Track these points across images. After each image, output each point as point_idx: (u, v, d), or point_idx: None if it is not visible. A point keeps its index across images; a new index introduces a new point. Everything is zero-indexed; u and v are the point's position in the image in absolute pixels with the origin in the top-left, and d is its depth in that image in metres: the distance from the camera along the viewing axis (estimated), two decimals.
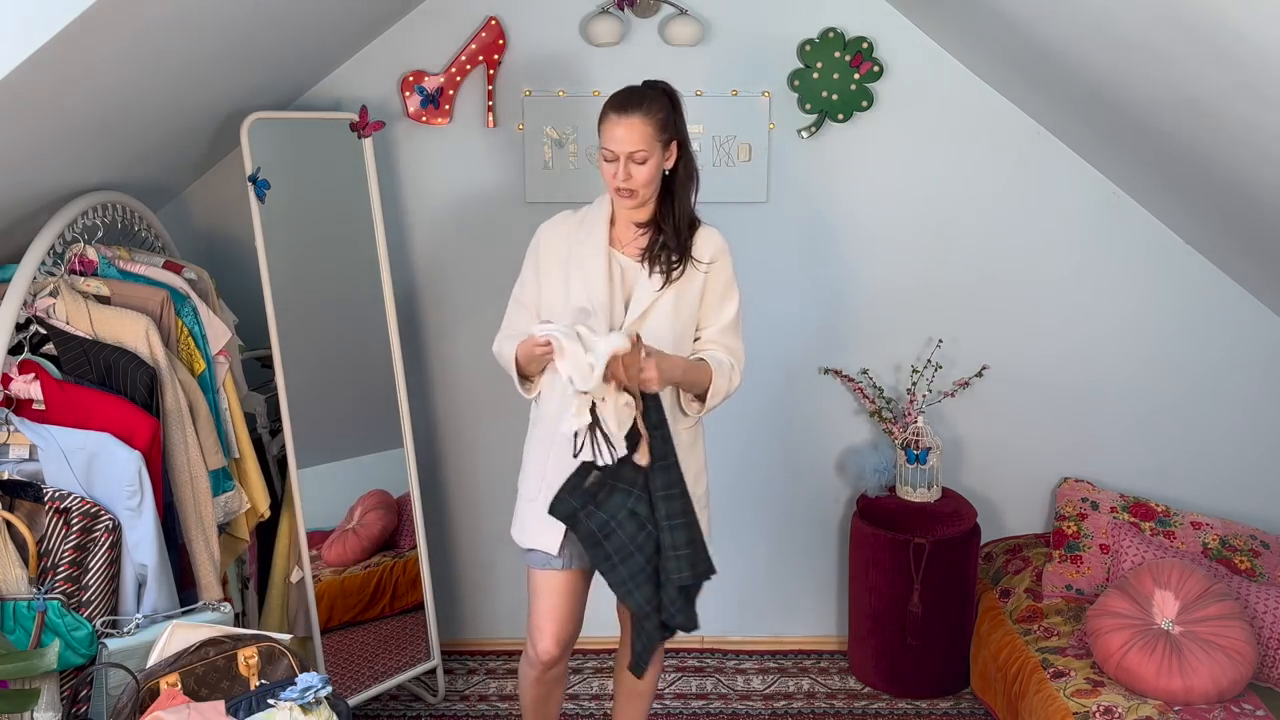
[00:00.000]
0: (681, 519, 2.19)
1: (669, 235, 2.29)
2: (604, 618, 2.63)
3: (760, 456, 3.39)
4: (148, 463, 2.17)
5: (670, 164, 2.28)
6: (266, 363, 2.96)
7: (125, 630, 2.07)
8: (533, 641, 2.47)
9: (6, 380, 2.16)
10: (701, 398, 2.35)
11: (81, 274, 2.37)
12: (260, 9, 2.34)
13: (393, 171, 3.18)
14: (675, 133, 2.27)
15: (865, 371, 3.31)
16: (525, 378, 2.38)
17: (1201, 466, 3.32)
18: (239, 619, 2.69)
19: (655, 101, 2.23)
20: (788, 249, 3.23)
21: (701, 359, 2.33)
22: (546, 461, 2.35)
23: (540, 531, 2.36)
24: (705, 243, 2.34)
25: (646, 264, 2.30)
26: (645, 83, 2.29)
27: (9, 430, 2.11)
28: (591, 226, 2.33)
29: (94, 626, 2.06)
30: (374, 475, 3.06)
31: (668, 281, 2.29)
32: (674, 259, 2.29)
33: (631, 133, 2.19)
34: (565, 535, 2.33)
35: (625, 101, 2.22)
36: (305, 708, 1.72)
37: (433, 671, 3.19)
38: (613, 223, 2.34)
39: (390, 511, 3.10)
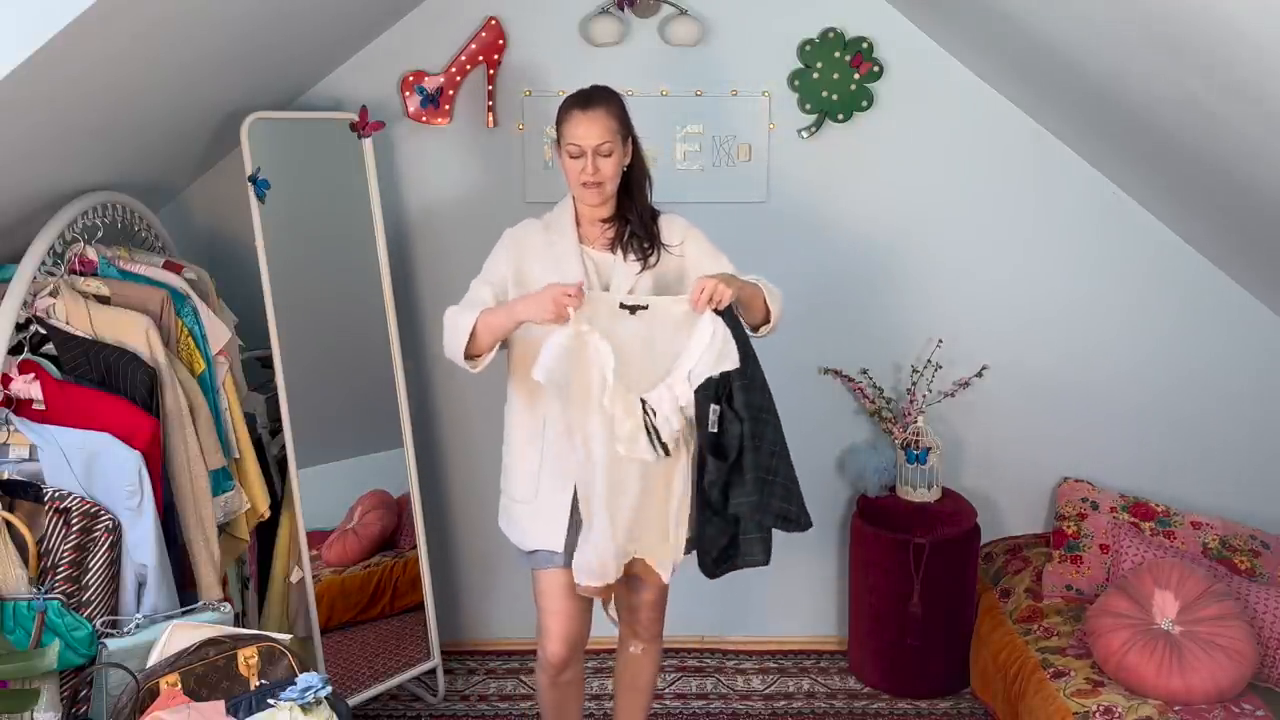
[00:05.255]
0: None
1: (635, 225, 2.35)
2: (602, 618, 2.63)
3: None
4: (148, 463, 2.17)
5: (627, 160, 2.34)
6: (266, 363, 2.95)
7: (125, 630, 2.07)
8: (541, 644, 2.48)
9: (6, 380, 2.15)
10: (763, 320, 2.35)
11: (81, 274, 2.36)
12: (260, 9, 2.34)
13: (393, 171, 3.18)
14: (630, 129, 2.34)
15: (865, 371, 3.31)
16: (471, 354, 2.30)
17: (1201, 466, 3.32)
18: (239, 619, 2.69)
19: (613, 98, 2.32)
20: (787, 249, 3.23)
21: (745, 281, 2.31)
22: (541, 463, 2.35)
23: (542, 532, 2.36)
24: (670, 228, 2.39)
25: (620, 251, 2.34)
26: (594, 86, 2.34)
27: (9, 430, 2.11)
28: (561, 229, 2.37)
29: (94, 626, 2.05)
30: (374, 475, 3.06)
31: (645, 266, 2.33)
32: (646, 245, 2.34)
33: (598, 126, 2.25)
34: (568, 532, 2.33)
35: (588, 98, 2.29)
36: (305, 708, 1.72)
37: (433, 671, 3.19)
38: (577, 224, 2.38)
39: (390, 511, 3.10)
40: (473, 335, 2.25)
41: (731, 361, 2.18)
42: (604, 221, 2.36)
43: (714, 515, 2.27)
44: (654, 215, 2.39)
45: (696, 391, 2.19)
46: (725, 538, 2.28)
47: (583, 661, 2.58)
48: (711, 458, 2.21)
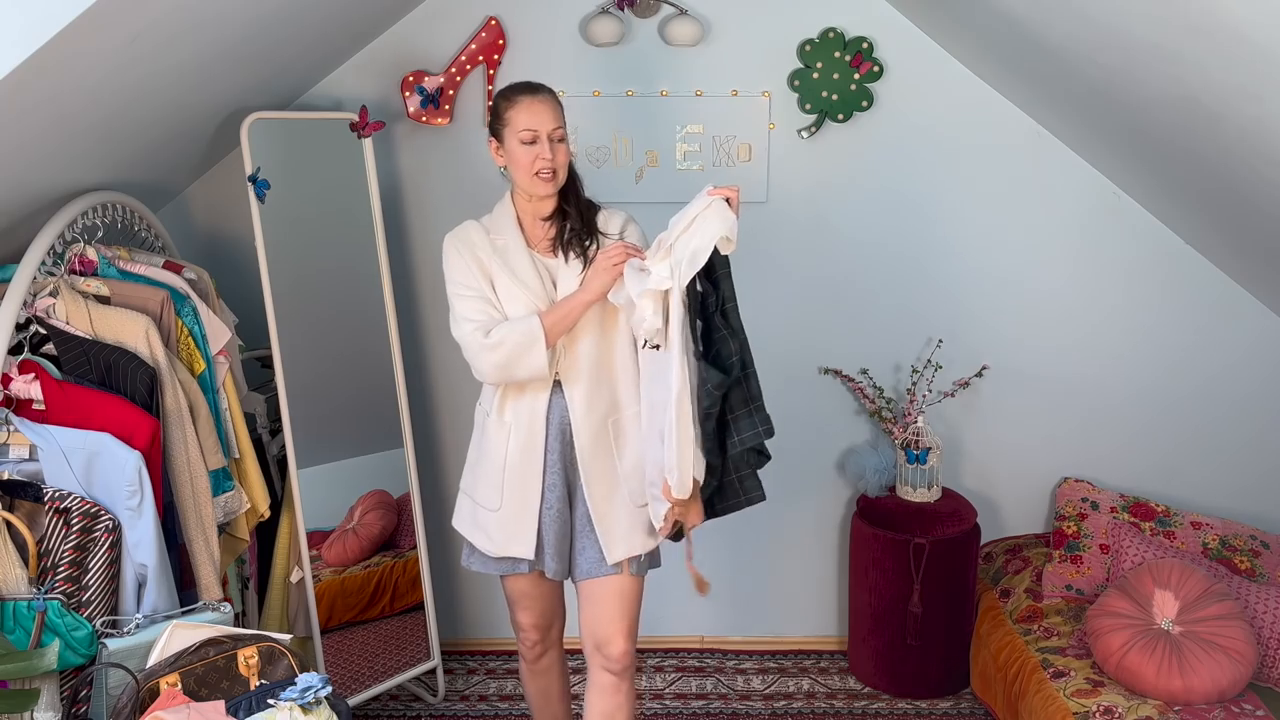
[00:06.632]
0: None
1: (574, 218, 2.32)
2: (575, 606, 2.62)
3: None
4: (148, 463, 2.17)
5: None
6: (266, 363, 2.96)
7: (125, 630, 2.07)
8: (517, 634, 2.54)
9: (6, 380, 2.16)
10: None
11: (81, 274, 2.36)
12: (260, 9, 2.34)
13: (393, 171, 3.18)
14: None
15: (865, 371, 3.31)
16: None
17: (1201, 466, 3.32)
18: (239, 619, 2.69)
19: (551, 89, 2.29)
20: (787, 249, 3.23)
21: None
22: (504, 471, 2.32)
23: (511, 540, 2.33)
24: (610, 218, 2.36)
25: (561, 253, 2.31)
26: (527, 81, 2.32)
27: (9, 430, 2.11)
28: (503, 231, 2.33)
29: (94, 626, 2.06)
30: (374, 475, 3.06)
31: (586, 262, 2.30)
32: (585, 240, 2.32)
33: (549, 110, 2.24)
34: (538, 541, 2.32)
35: (533, 85, 2.27)
36: (305, 708, 1.72)
37: (433, 671, 3.19)
38: (520, 225, 2.34)
39: (390, 511, 3.10)
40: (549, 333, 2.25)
41: (720, 225, 2.08)
42: (545, 220, 2.33)
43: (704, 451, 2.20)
44: (590, 205, 2.36)
45: (688, 296, 2.13)
46: (714, 479, 2.24)
47: (561, 649, 2.60)
48: (710, 370, 2.13)
